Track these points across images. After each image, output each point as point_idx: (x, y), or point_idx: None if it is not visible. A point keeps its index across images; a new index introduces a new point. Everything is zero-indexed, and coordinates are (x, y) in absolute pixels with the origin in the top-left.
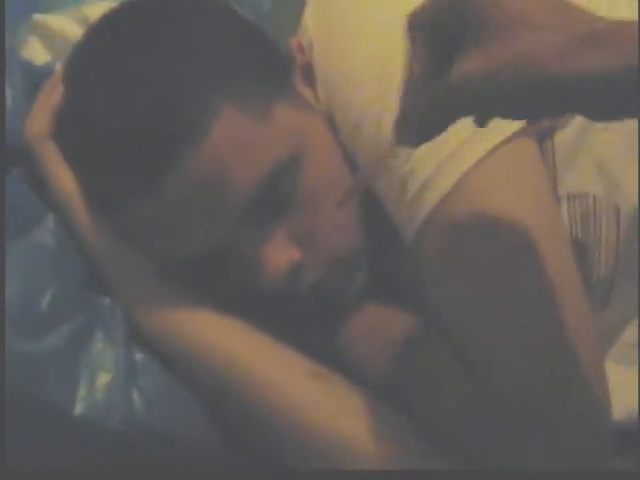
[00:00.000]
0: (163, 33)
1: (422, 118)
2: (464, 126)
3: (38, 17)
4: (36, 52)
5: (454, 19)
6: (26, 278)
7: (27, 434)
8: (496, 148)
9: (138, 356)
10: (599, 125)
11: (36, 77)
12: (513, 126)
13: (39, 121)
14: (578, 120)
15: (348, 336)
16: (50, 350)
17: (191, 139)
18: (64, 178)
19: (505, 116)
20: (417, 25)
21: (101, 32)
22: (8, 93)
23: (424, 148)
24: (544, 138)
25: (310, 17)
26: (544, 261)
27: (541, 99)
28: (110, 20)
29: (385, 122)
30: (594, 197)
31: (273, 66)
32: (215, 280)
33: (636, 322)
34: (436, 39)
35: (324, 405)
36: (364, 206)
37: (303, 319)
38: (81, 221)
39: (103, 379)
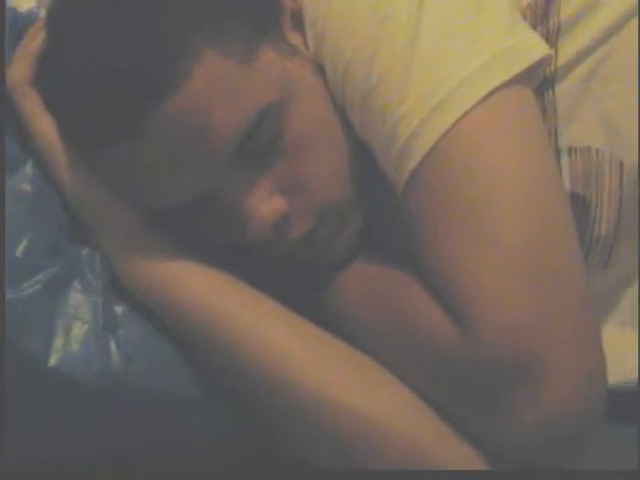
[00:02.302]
0: None
1: None
2: (456, 71)
3: None
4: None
5: None
6: (2, 224)
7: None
8: (489, 95)
9: (117, 308)
10: (603, 76)
11: (21, 23)
12: (510, 71)
13: (20, 68)
14: (580, 70)
15: (339, 296)
16: (25, 298)
17: (172, 82)
18: (45, 124)
19: None
20: None
21: None
22: None
23: (416, 92)
24: (545, 89)
25: None
26: (535, 214)
27: None
28: None
29: (374, 70)
30: (597, 150)
31: (260, 10)
32: (200, 231)
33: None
34: None
35: (314, 364)
36: (356, 154)
37: (291, 273)
38: (62, 168)
39: (79, 330)
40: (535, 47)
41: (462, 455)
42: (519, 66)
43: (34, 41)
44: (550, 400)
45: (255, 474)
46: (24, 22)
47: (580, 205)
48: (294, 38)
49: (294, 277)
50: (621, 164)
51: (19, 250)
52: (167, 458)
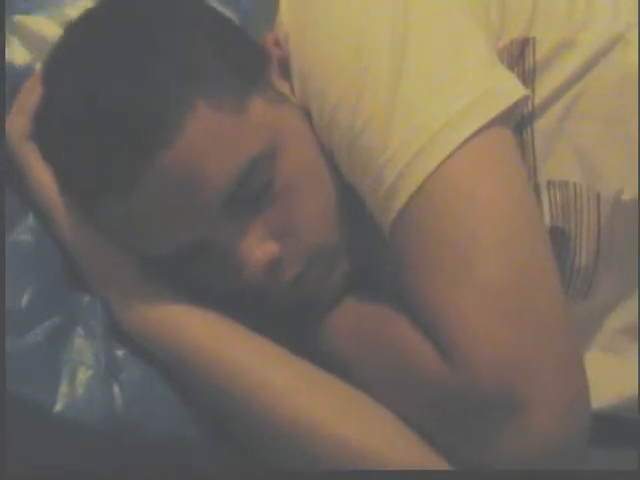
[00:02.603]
0: (137, 30)
1: None
2: (437, 116)
3: (19, 18)
4: (17, 53)
5: None
6: (6, 276)
7: (7, 432)
8: (470, 137)
9: (119, 352)
10: (578, 113)
11: (17, 77)
12: (489, 113)
13: (18, 121)
14: (557, 108)
15: (328, 332)
16: (30, 347)
17: (165, 136)
18: (43, 177)
19: None
20: None
21: (76, 32)
22: None
23: (400, 137)
24: (523, 127)
25: (285, 11)
26: (516, 251)
27: None
28: (84, 20)
29: (359, 116)
30: (574, 184)
31: (248, 60)
32: (195, 275)
33: (621, 308)
34: None
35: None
36: (343, 197)
37: (284, 314)
38: (60, 219)
39: (84, 375)
40: (512, 89)
41: None
42: (498, 108)
43: (31, 95)
44: (535, 428)
45: None
46: (21, 76)
47: (560, 237)
48: (282, 86)
49: (287, 317)
50: (598, 197)
51: (23, 301)
52: None
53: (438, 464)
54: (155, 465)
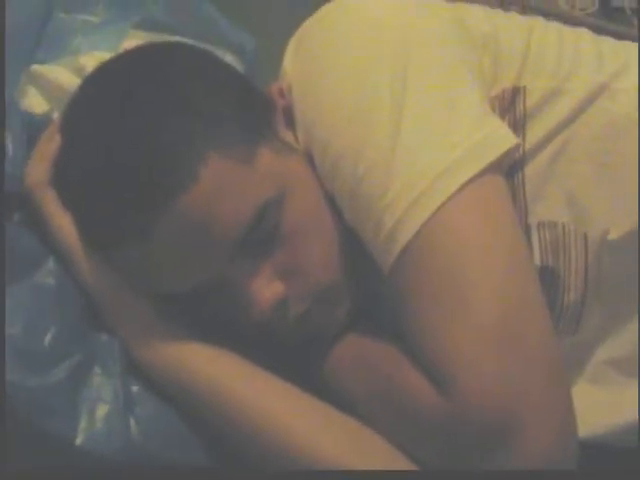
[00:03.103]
0: (154, 83)
1: None
2: (434, 165)
3: (36, 68)
4: (35, 102)
5: None
6: (29, 317)
7: (32, 464)
8: (466, 184)
9: (134, 388)
10: (567, 157)
11: (35, 126)
12: (483, 161)
13: (38, 169)
14: (547, 153)
15: (331, 366)
16: (53, 384)
17: (180, 184)
18: (62, 222)
19: None
20: None
21: (94, 83)
22: (8, 142)
23: (399, 184)
24: (515, 171)
25: (289, 61)
26: (509, 291)
27: None
28: (101, 72)
29: (360, 165)
30: (563, 225)
31: (256, 112)
32: (207, 313)
33: (609, 342)
34: None
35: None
36: (345, 239)
37: (289, 350)
38: (80, 261)
39: (102, 410)
40: (504, 138)
41: None
42: (490, 157)
43: (50, 143)
44: (530, 449)
45: None
46: (39, 125)
47: (549, 276)
48: (286, 134)
49: (292, 353)
50: (585, 236)
51: (46, 340)
52: None
53: None
54: None
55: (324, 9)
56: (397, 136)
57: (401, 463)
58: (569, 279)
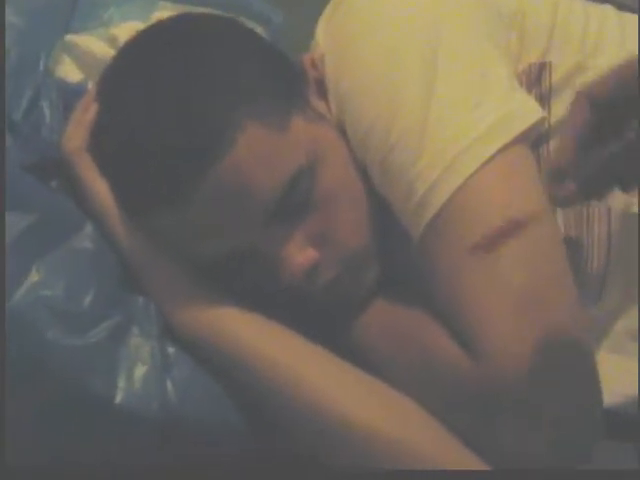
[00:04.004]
0: (189, 53)
1: (587, 180)
2: (465, 134)
3: (70, 38)
4: (69, 71)
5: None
6: (70, 280)
7: (73, 422)
8: (496, 153)
9: (171, 350)
10: None
11: (70, 94)
12: (511, 133)
13: (75, 136)
14: None
15: (361, 332)
16: (93, 345)
17: (219, 151)
18: (99, 188)
19: None
20: (596, 97)
21: (131, 52)
22: (45, 109)
23: (431, 152)
24: (540, 144)
25: (322, 33)
26: (539, 259)
27: None
28: (139, 41)
29: (392, 134)
30: None
31: (290, 82)
32: (240, 278)
33: (629, 313)
34: (611, 111)
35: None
36: (374, 206)
37: (319, 316)
38: (116, 227)
39: (140, 371)
40: (531, 111)
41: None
42: (518, 129)
43: (86, 111)
44: (548, 423)
45: None
46: (73, 93)
47: (573, 246)
48: (319, 105)
49: (322, 318)
50: (609, 210)
51: (86, 302)
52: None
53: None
54: (205, 454)
55: None
56: (429, 106)
57: (431, 427)
58: (592, 250)
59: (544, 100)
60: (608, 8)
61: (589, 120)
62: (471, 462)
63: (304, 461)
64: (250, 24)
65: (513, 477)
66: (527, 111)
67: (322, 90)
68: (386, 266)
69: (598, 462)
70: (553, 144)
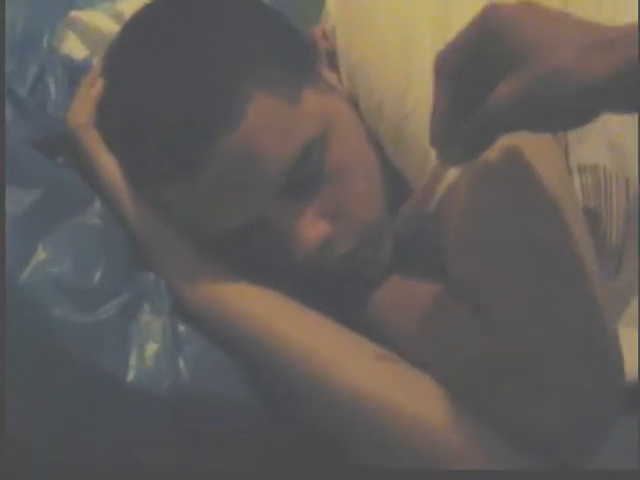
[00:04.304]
0: (196, 25)
1: (467, 140)
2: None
3: (75, 14)
4: (74, 47)
5: (481, 56)
6: (78, 256)
7: (84, 400)
8: None
9: (182, 327)
10: None
11: (76, 70)
12: None
13: (82, 111)
14: None
15: (375, 307)
16: (103, 322)
17: (228, 123)
18: (107, 162)
19: (537, 130)
20: (446, 64)
21: (137, 26)
22: (51, 85)
23: None
24: None
25: (332, 4)
26: (559, 224)
27: (568, 109)
28: (145, 15)
29: (406, 102)
30: (604, 168)
31: (300, 53)
32: (251, 253)
33: None
34: (465, 75)
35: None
36: (388, 179)
37: (332, 291)
38: (124, 202)
39: (152, 348)
40: None
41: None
42: None
43: (93, 87)
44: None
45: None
46: (79, 69)
47: (591, 217)
48: (330, 77)
49: (336, 294)
50: (627, 181)
51: (96, 278)
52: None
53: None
54: (219, 428)
55: None
56: None
57: (444, 401)
58: (610, 221)
59: None
60: None
61: (448, 87)
62: (482, 437)
63: (317, 437)
64: None
65: (513, 477)
66: None
67: (333, 62)
68: (400, 239)
69: (598, 462)
70: None
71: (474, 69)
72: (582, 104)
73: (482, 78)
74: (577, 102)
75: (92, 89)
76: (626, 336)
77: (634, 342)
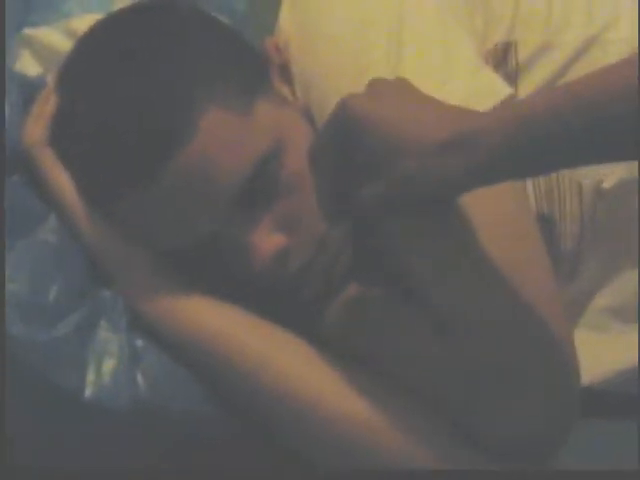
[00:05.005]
0: (148, 41)
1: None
2: None
3: (28, 31)
4: (28, 65)
5: (341, 152)
6: (34, 273)
7: (41, 417)
8: None
9: (139, 342)
10: None
11: (30, 88)
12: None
13: (35, 129)
14: None
15: (335, 317)
16: (60, 339)
17: (181, 138)
18: (61, 179)
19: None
20: (316, 157)
21: (90, 42)
22: (5, 103)
23: None
24: None
25: (285, 18)
26: (513, 234)
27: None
28: (98, 31)
29: None
30: (557, 174)
31: (252, 67)
32: (208, 267)
33: (607, 289)
34: (336, 163)
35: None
36: None
37: (291, 302)
38: (80, 218)
39: (109, 364)
40: (499, 88)
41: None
42: (485, 106)
43: (46, 104)
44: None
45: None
46: (34, 86)
47: (545, 223)
48: (283, 90)
49: (296, 303)
50: (579, 185)
51: (51, 295)
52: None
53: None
54: (176, 440)
55: None
56: None
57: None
58: (565, 226)
59: (511, 79)
60: None
61: (324, 174)
62: (429, 437)
63: (279, 446)
64: (214, 13)
65: (512, 477)
66: (495, 89)
67: (286, 75)
68: (358, 251)
69: (598, 462)
70: None
71: (343, 159)
72: (437, 198)
73: (352, 167)
74: (431, 198)
75: (46, 106)
76: (586, 340)
77: (594, 345)
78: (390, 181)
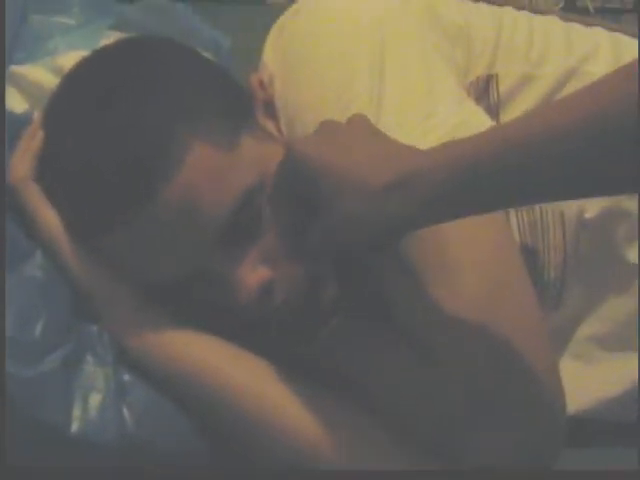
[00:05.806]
0: (134, 78)
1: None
2: (417, 144)
3: (14, 68)
4: (15, 102)
5: (297, 193)
6: (20, 309)
7: (27, 452)
8: None
9: (126, 377)
10: None
11: (16, 125)
12: None
13: (21, 164)
14: None
15: (323, 349)
16: (46, 374)
17: (166, 173)
18: (47, 215)
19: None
20: (272, 199)
21: (76, 79)
22: None
23: None
24: None
25: (269, 53)
26: (497, 263)
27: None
28: (84, 68)
29: None
30: (540, 206)
31: (237, 103)
32: (194, 301)
33: (591, 319)
34: (289, 208)
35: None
36: None
37: (278, 335)
38: (65, 254)
39: (95, 399)
40: (481, 122)
41: None
42: None
43: (32, 140)
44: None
45: None
46: (20, 123)
47: (529, 254)
48: (268, 124)
49: (283, 338)
50: (562, 215)
51: (37, 331)
52: None
53: None
54: (165, 476)
55: (300, 2)
56: (377, 122)
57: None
58: (548, 257)
59: (492, 112)
60: (553, 18)
61: (282, 216)
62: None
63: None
64: (199, 50)
65: (511, 477)
66: (477, 122)
67: (271, 110)
68: (344, 286)
69: (598, 462)
70: None
71: (295, 203)
72: (384, 237)
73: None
74: (379, 237)
75: (32, 142)
76: (571, 369)
77: (580, 374)
78: (336, 223)
